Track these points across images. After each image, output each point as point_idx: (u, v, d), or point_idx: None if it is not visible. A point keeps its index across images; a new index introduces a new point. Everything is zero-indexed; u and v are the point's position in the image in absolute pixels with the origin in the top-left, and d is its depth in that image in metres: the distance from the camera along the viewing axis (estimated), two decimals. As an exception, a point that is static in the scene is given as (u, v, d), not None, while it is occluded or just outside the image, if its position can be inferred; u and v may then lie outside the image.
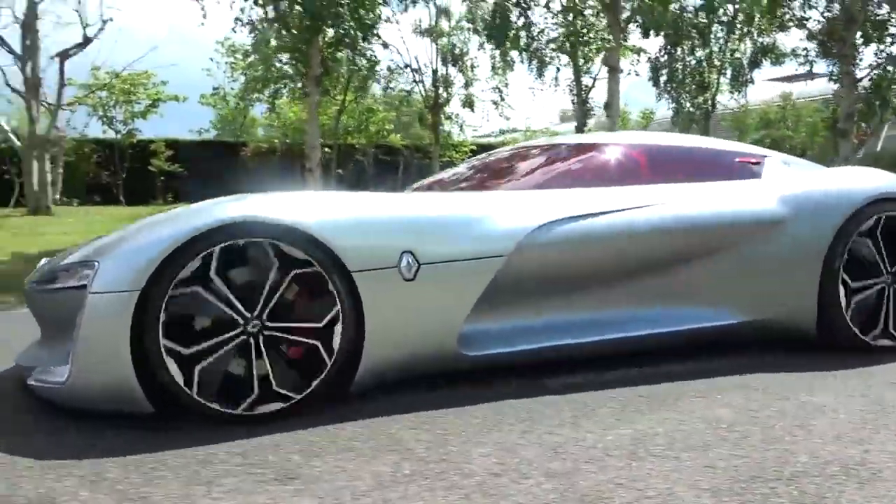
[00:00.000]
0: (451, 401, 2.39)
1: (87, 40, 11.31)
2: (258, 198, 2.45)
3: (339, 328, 2.29)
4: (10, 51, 10.93)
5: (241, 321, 2.22)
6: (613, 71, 11.32)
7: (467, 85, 17.04)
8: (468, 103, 17.28)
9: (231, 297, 2.22)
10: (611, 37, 11.04)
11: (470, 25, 15.75)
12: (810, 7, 13.08)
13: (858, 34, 13.06)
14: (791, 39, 29.32)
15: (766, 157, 3.53)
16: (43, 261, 3.00)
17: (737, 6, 13.19)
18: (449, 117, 16.83)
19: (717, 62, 16.74)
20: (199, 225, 2.20)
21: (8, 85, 11.25)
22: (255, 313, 2.23)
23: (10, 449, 2.02)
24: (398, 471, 1.78)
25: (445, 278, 2.52)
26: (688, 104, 17.07)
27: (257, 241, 2.25)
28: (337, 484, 1.71)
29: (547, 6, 13.11)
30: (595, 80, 14.02)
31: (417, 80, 15.72)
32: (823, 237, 2.98)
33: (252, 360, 2.22)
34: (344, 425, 2.17)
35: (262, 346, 2.24)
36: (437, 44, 15.78)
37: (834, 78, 12.32)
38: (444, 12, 15.80)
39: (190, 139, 18.35)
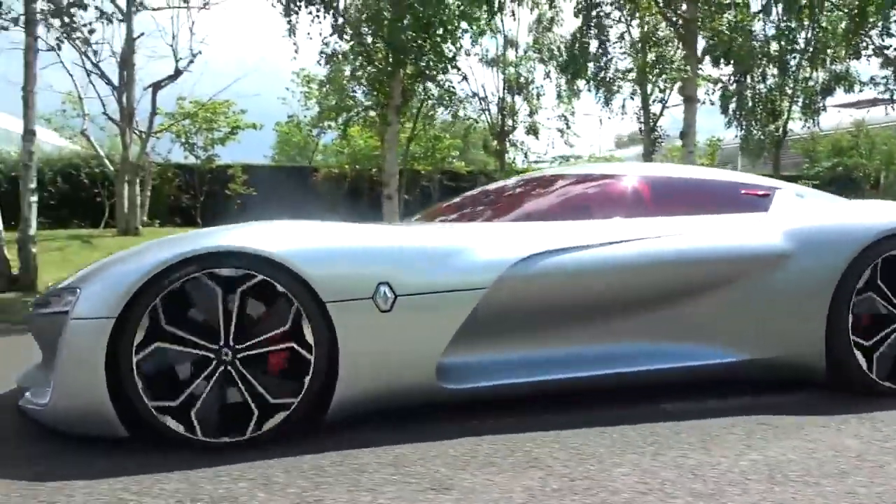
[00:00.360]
0: (576, 422, 2.49)
1: (177, 72, 12.05)
2: (238, 228, 2.48)
3: (307, 379, 2.29)
4: (109, 82, 11.76)
5: (213, 350, 2.26)
6: (690, 101, 11.31)
7: (532, 113, 17.26)
8: (533, 130, 17.48)
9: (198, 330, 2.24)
10: (688, 67, 11.07)
11: (536, 55, 16.02)
12: (889, 35, 12.76)
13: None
14: (865, 66, 28.47)
15: (776, 189, 3.41)
16: (50, 284, 3.06)
17: (811, 35, 12.99)
18: (514, 144, 17.08)
19: (788, 90, 16.46)
20: (175, 254, 2.25)
21: (105, 114, 12.11)
22: (223, 342, 2.27)
23: (184, 456, 2.22)
24: (546, 486, 1.89)
25: (423, 310, 2.50)
26: (758, 132, 16.79)
27: (225, 272, 2.27)
28: (492, 495, 1.83)
29: (621, 37, 13.25)
30: (665, 107, 14.03)
31: (483, 108, 16.08)
32: (832, 272, 2.84)
33: (233, 386, 2.25)
34: (479, 440, 2.30)
35: (241, 371, 2.26)
36: (504, 73, 16.10)
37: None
38: (510, 43, 16.17)
39: (264, 164, 19.17)
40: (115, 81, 11.79)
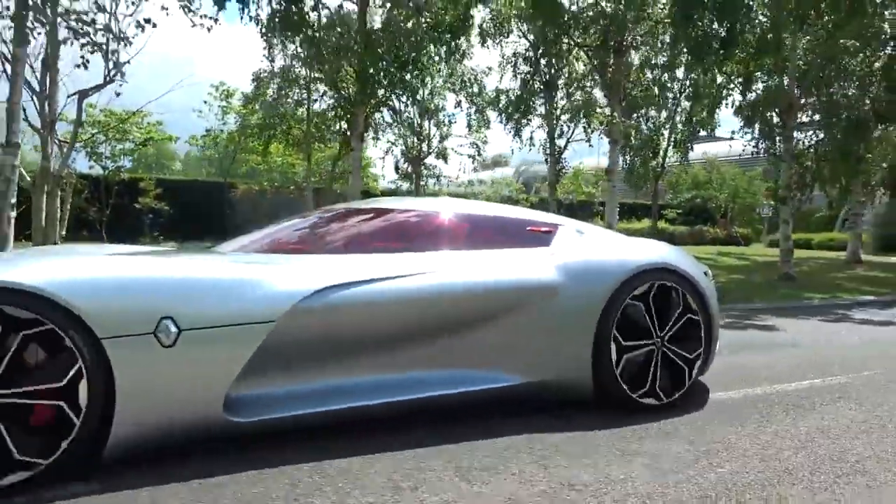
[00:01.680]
0: (665, 414, 3.34)
1: (106, 82, 11.67)
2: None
3: (83, 395, 2.21)
4: (30, 87, 11.15)
5: None
6: (615, 143, 12.94)
7: (443, 139, 18.31)
8: (442, 155, 18.51)
9: None
10: (615, 114, 12.68)
11: (450, 85, 17.10)
12: (750, 91, 15.14)
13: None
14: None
15: (559, 226, 3.66)
16: None
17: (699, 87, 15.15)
18: (426, 167, 18.00)
19: (665, 131, 18.79)
20: None
21: (26, 120, 11.41)
22: None
23: (382, 441, 2.80)
24: (697, 448, 2.75)
25: (209, 344, 2.45)
26: (640, 166, 18.92)
27: None
28: (673, 453, 2.65)
29: (564, 86, 14.72)
30: (569, 142, 15.73)
31: (402, 133, 16.86)
32: (596, 302, 3.13)
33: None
34: (595, 433, 3.02)
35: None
36: (419, 99, 17.03)
37: (776, 153, 14.34)
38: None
39: (178, 178, 18.59)
40: (37, 87, 11.21)
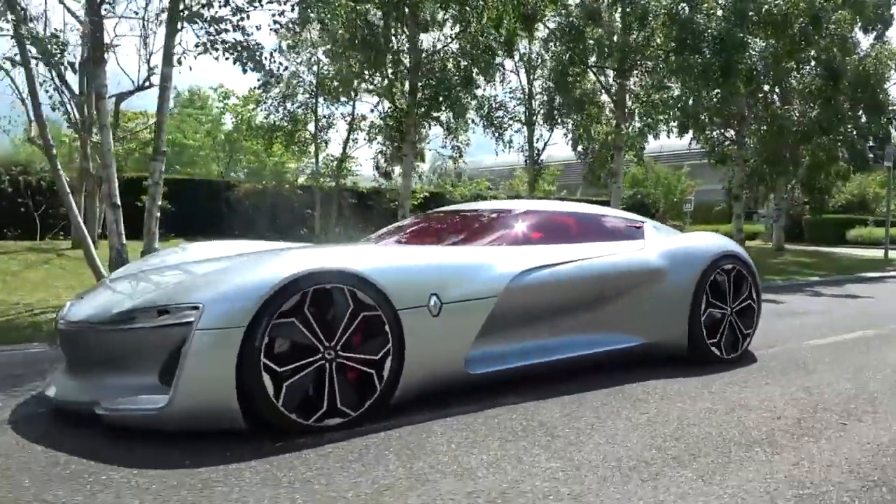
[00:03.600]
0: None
1: (141, 87, 12.15)
2: (331, 249, 3.18)
3: (388, 359, 2.89)
4: (70, 91, 11.50)
5: (321, 348, 2.71)
6: (619, 149, 14.69)
7: (420, 140, 19.46)
8: (420, 156, 19.67)
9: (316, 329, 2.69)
10: (622, 125, 14.43)
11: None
12: (705, 109, 17.20)
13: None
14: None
15: (644, 222, 4.56)
16: (69, 302, 3.30)
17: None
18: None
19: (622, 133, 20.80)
20: (292, 272, 2.66)
21: (72, 122, 11.74)
22: (333, 343, 2.74)
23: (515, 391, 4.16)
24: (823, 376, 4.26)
25: (459, 314, 3.14)
26: (598, 167, 20.85)
27: (336, 285, 2.76)
28: (821, 380, 4.15)
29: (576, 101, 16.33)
30: (546, 145, 17.42)
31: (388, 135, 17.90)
32: (691, 280, 4.06)
33: (325, 381, 2.71)
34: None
35: (333, 370, 2.73)
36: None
37: (731, 155, 16.59)
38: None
39: (178, 177, 18.75)
40: (77, 90, 11.60)
